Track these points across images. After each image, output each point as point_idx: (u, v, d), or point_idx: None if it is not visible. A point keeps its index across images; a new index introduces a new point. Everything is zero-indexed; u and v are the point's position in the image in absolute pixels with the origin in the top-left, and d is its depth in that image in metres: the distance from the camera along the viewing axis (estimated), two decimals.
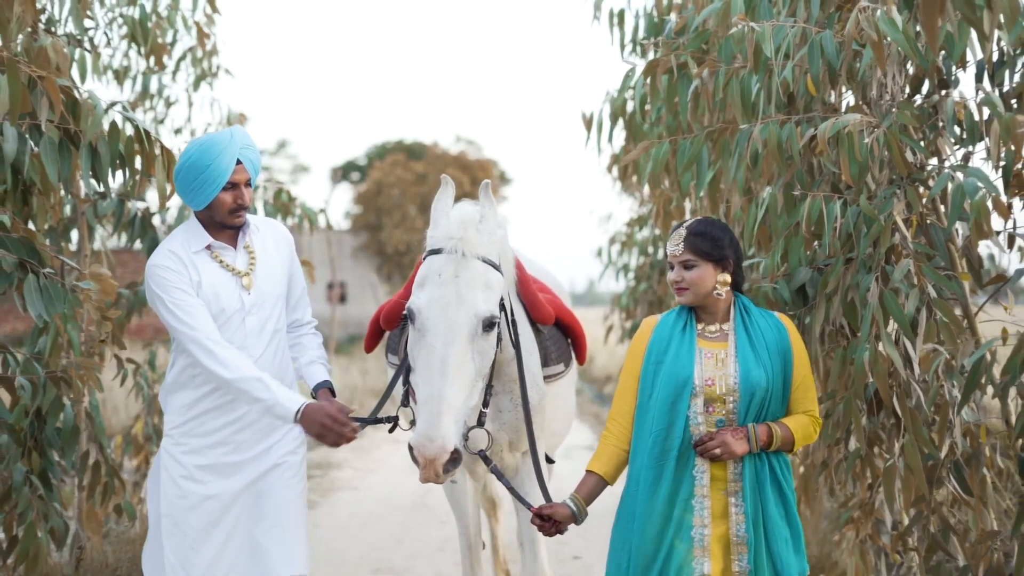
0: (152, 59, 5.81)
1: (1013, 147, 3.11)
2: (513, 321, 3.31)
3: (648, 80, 4.33)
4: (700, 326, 3.04)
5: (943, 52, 3.45)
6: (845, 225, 3.42)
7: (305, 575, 3.26)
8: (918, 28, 3.31)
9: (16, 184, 3.81)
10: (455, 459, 2.86)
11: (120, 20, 5.68)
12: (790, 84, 3.58)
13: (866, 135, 3.30)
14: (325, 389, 3.36)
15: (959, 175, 3.25)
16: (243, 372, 3.08)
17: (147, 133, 3.90)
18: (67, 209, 5.14)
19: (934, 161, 3.61)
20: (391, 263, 31.92)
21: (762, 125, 3.57)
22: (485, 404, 3.16)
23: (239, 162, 3.25)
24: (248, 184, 3.28)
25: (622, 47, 5.36)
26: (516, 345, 3.31)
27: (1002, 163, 3.28)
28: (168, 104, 6.49)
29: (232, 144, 3.23)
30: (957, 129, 3.46)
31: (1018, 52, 3.46)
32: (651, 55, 4.87)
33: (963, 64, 3.51)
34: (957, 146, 3.59)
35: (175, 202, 5.51)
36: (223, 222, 3.27)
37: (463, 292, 2.97)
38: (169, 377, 3.33)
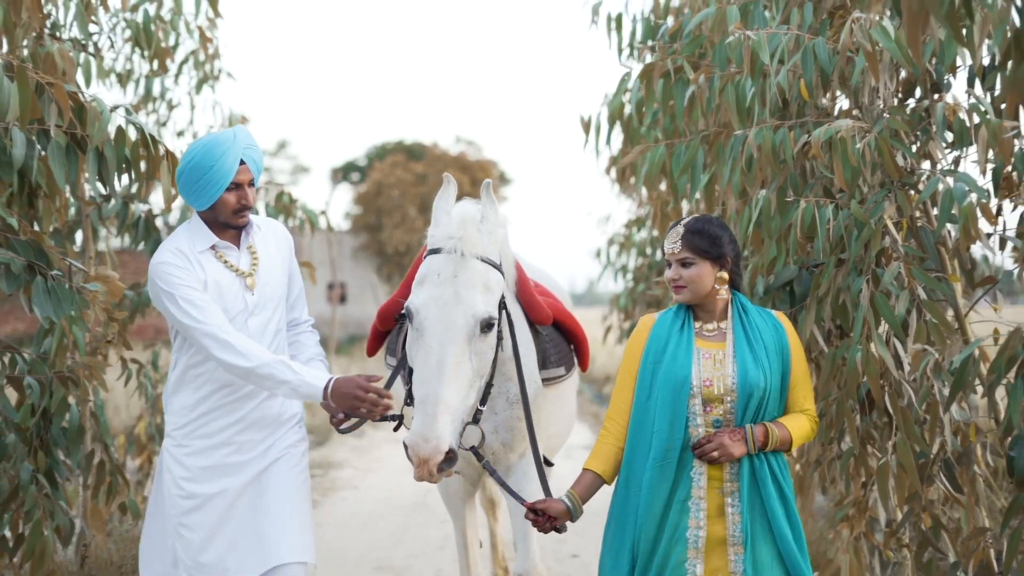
0: (155, 63, 5.87)
1: (1000, 152, 3.16)
2: (510, 321, 3.31)
3: (644, 84, 4.37)
4: (698, 325, 3.02)
5: (934, 59, 3.51)
6: (836, 228, 3.45)
7: (310, 563, 3.22)
8: None
9: (22, 187, 3.82)
10: (450, 459, 2.87)
11: (124, 24, 5.74)
12: (784, 90, 3.62)
13: (858, 140, 3.35)
14: None
15: (949, 180, 3.30)
16: (263, 358, 3.05)
17: (152, 137, 3.92)
18: (71, 211, 5.19)
19: (926, 165, 3.65)
20: (391, 264, 31.94)
21: (756, 130, 3.61)
22: (483, 402, 3.15)
23: (243, 162, 3.21)
24: (251, 184, 3.25)
25: (620, 51, 5.40)
26: (514, 345, 3.30)
27: (991, 165, 3.33)
28: (171, 107, 6.53)
29: (235, 144, 3.19)
30: (948, 134, 3.51)
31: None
32: (648, 59, 4.93)
33: (953, 71, 3.56)
34: (948, 150, 3.64)
35: (178, 203, 5.57)
36: (227, 222, 3.24)
37: (461, 293, 2.97)
38: (171, 378, 3.30)
